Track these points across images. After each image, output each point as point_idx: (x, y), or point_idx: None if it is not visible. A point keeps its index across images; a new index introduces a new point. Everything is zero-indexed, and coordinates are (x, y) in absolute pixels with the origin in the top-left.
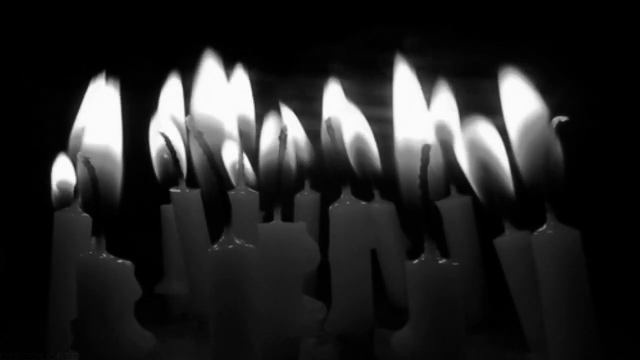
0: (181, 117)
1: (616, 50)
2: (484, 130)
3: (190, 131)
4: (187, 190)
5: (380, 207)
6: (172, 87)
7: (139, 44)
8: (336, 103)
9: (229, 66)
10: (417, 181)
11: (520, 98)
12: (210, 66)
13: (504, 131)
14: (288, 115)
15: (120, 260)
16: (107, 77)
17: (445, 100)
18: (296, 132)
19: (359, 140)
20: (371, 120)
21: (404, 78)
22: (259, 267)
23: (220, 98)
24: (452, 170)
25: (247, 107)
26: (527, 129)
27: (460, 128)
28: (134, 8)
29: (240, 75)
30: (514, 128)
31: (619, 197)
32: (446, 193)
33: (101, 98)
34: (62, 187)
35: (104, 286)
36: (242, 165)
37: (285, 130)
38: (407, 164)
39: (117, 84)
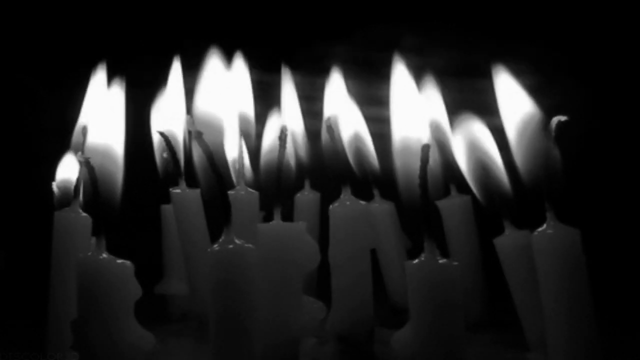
0: (182, 115)
1: (616, 50)
2: (479, 130)
3: (191, 131)
4: (187, 190)
5: (380, 207)
6: (174, 84)
7: (139, 43)
8: (338, 99)
9: (229, 65)
10: (417, 181)
11: (513, 98)
12: (211, 65)
13: (501, 130)
14: (291, 110)
15: (120, 260)
16: (110, 77)
17: (433, 98)
18: (296, 130)
19: (357, 140)
20: (370, 119)
21: (402, 77)
22: (259, 267)
23: (221, 96)
24: (450, 169)
25: (247, 105)
26: (523, 130)
27: (452, 126)
28: (134, 7)
29: (241, 73)
30: (512, 128)
31: (619, 197)
32: (446, 193)
33: (104, 97)
34: (62, 187)
35: (104, 286)
36: (242, 164)
37: (285, 130)
38: (405, 164)
39: (121, 84)
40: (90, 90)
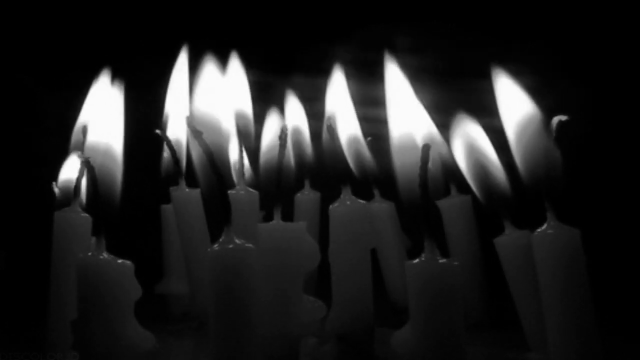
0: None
1: (615, 50)
2: (478, 130)
3: (190, 131)
4: (187, 190)
5: (380, 207)
6: (177, 84)
7: (139, 43)
8: (340, 99)
9: (228, 65)
10: (417, 181)
11: (512, 99)
12: (210, 65)
13: (501, 131)
14: (295, 109)
15: (120, 260)
16: (110, 76)
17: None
18: (300, 128)
19: (358, 140)
20: (370, 120)
21: (397, 77)
22: (259, 267)
23: (220, 97)
24: (450, 169)
25: (245, 105)
26: (522, 130)
27: (450, 129)
28: (134, 7)
29: (238, 73)
30: (511, 128)
31: (619, 197)
32: (446, 192)
33: (103, 97)
34: (63, 187)
35: (104, 286)
36: (241, 164)
37: (285, 130)
38: (405, 163)
39: (121, 84)
40: (91, 90)
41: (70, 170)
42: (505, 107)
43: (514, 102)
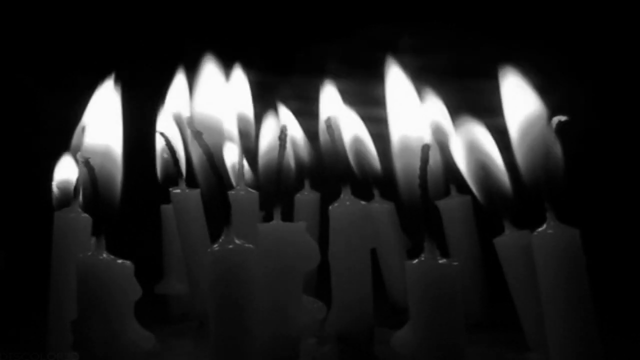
0: (184, 116)
1: (616, 50)
2: (479, 131)
3: (190, 131)
4: (187, 190)
5: (380, 207)
6: (178, 85)
7: (139, 44)
8: (332, 105)
9: (228, 66)
10: (417, 181)
11: (520, 97)
12: (209, 66)
13: (502, 131)
14: (286, 115)
15: (120, 260)
16: (110, 77)
17: (434, 101)
18: (295, 132)
19: (357, 141)
20: (369, 120)
21: (398, 77)
22: (258, 267)
23: (220, 98)
24: (451, 169)
25: (246, 106)
26: (527, 129)
27: (455, 128)
28: (134, 7)
29: (239, 75)
30: (514, 128)
31: (619, 197)
32: (446, 193)
33: (103, 98)
34: (62, 187)
35: (104, 286)
36: (241, 165)
37: (285, 130)
38: (405, 164)
39: (119, 84)
40: (93, 91)
41: (68, 170)
42: (510, 106)
43: (520, 101)
